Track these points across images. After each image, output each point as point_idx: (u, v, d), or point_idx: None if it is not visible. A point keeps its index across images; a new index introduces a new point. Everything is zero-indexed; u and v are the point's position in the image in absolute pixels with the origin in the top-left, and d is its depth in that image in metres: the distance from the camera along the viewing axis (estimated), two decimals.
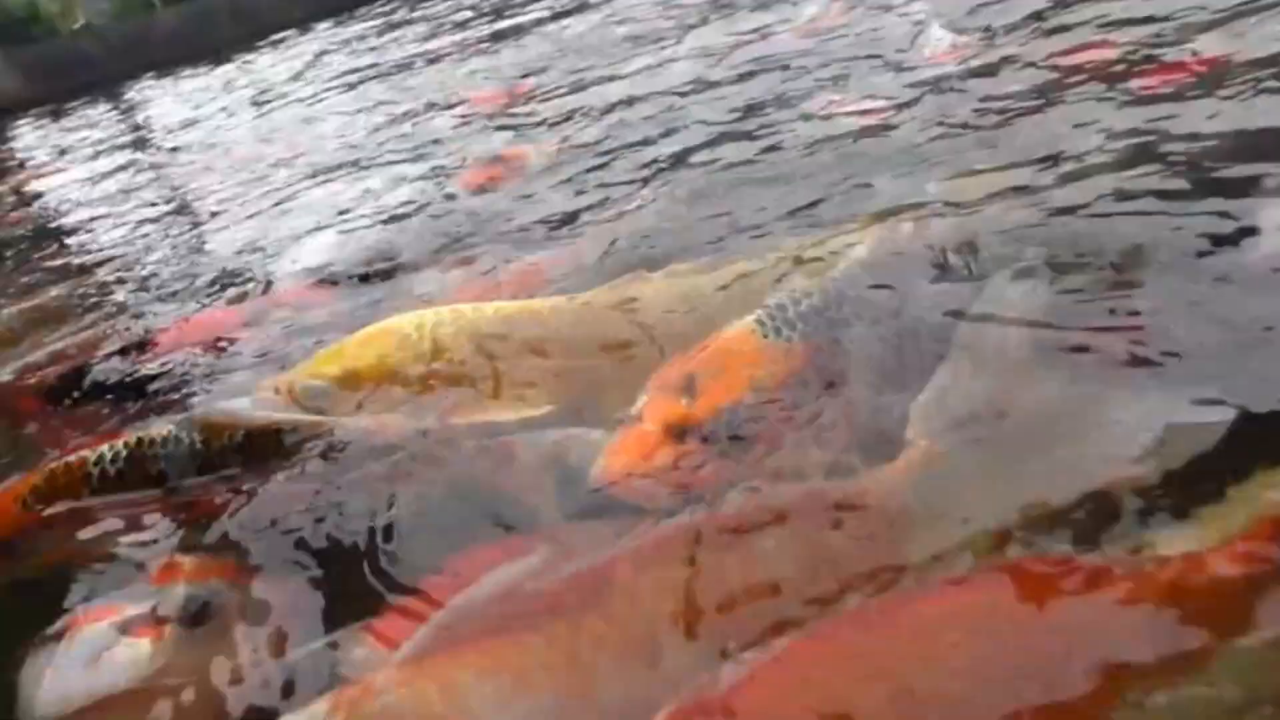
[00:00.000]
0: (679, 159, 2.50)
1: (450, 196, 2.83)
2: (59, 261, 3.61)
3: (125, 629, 1.08)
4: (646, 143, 2.72)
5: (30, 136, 10.00)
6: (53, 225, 4.51)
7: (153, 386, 1.92)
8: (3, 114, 13.95)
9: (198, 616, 1.10)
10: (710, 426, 1.15)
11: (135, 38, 17.34)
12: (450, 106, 4.12)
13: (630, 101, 3.21)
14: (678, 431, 1.15)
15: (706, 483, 1.10)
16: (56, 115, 11.51)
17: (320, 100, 5.98)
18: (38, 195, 5.63)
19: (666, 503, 1.07)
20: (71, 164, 6.71)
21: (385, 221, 2.77)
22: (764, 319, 1.26)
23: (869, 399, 1.18)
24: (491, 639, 0.89)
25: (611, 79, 3.71)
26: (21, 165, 7.70)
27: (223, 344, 2.04)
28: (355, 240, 2.65)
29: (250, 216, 3.38)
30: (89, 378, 2.01)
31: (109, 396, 1.92)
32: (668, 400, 1.19)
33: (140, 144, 7.00)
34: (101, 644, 1.07)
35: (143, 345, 2.14)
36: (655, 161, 2.51)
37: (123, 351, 2.09)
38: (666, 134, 2.73)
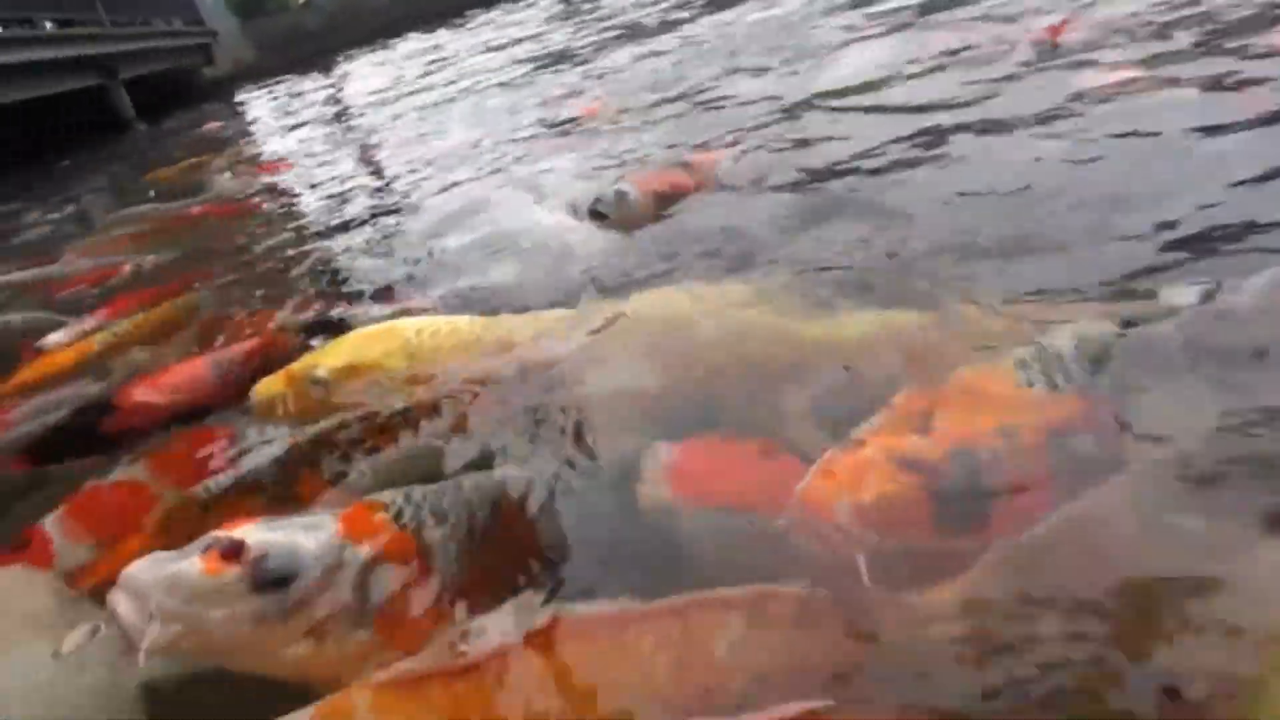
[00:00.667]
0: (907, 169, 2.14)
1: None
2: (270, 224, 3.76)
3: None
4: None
5: (257, 99, 10.96)
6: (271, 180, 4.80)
7: None
8: (238, 80, 15.55)
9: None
10: (942, 465, 0.95)
11: (351, 12, 18.69)
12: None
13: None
14: (904, 463, 0.96)
15: (915, 531, 0.91)
16: (280, 81, 12.57)
17: (510, 78, 6.01)
18: (256, 155, 6.06)
19: (852, 546, 0.88)
20: (288, 125, 7.23)
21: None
22: (1027, 361, 1.08)
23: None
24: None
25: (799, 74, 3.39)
26: (246, 128, 8.42)
27: None
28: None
29: (437, 190, 3.37)
30: None
31: None
32: (898, 429, 1.02)
33: (343, 110, 7.42)
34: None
35: None
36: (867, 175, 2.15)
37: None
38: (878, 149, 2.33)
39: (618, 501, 1.11)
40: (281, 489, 1.31)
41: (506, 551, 1.12)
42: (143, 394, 1.77)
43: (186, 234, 3.71)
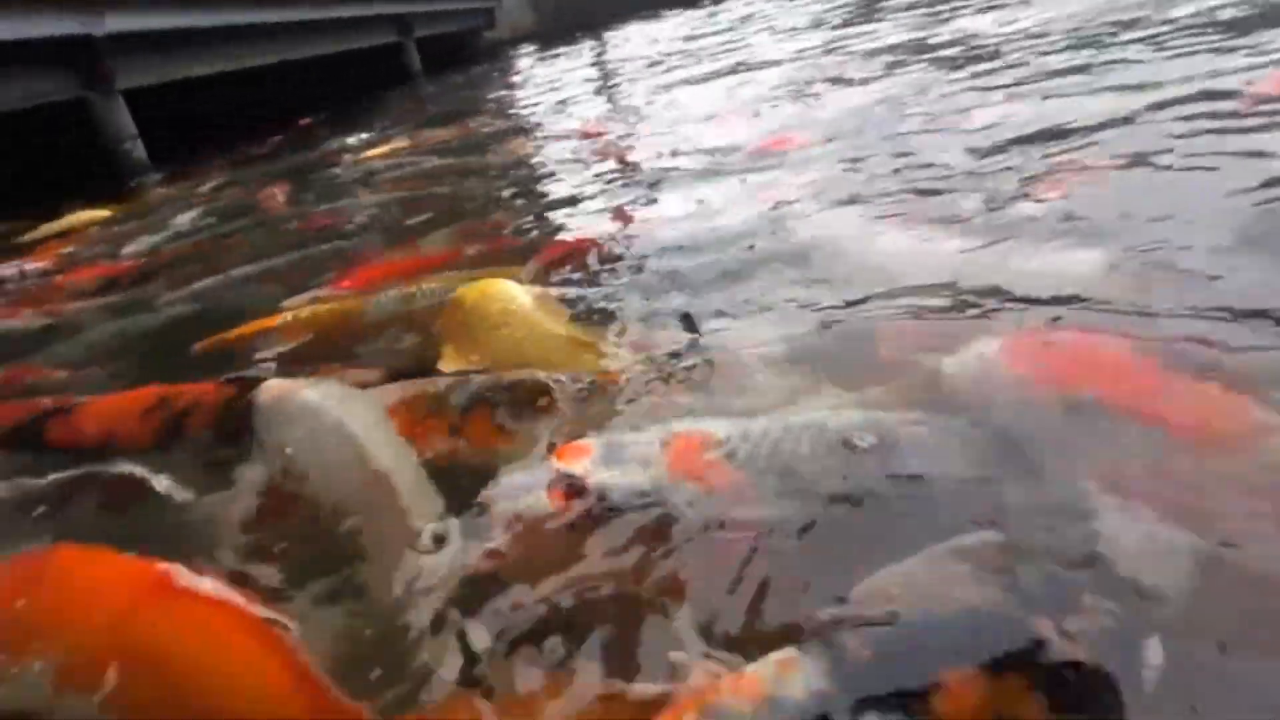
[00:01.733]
0: None
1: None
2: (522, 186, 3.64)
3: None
4: None
5: (529, 60, 11.38)
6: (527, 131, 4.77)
7: None
8: (514, 43, 16.44)
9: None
10: None
11: None
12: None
13: None
14: None
15: None
16: (550, 45, 13.00)
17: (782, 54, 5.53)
18: (513, 105, 6.14)
19: None
20: (550, 85, 7.31)
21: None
22: None
23: None
24: None
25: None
26: (512, 85, 8.68)
27: None
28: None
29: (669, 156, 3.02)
30: None
31: None
32: None
33: (606, 75, 7.35)
34: None
35: None
36: None
37: None
38: None
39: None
40: None
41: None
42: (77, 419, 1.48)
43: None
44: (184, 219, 4.05)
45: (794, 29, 6.65)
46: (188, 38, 7.12)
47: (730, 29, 8.19)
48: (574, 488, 0.98)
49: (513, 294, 1.62)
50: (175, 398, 1.41)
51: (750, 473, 0.95)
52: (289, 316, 1.93)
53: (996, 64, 3.23)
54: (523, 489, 1.00)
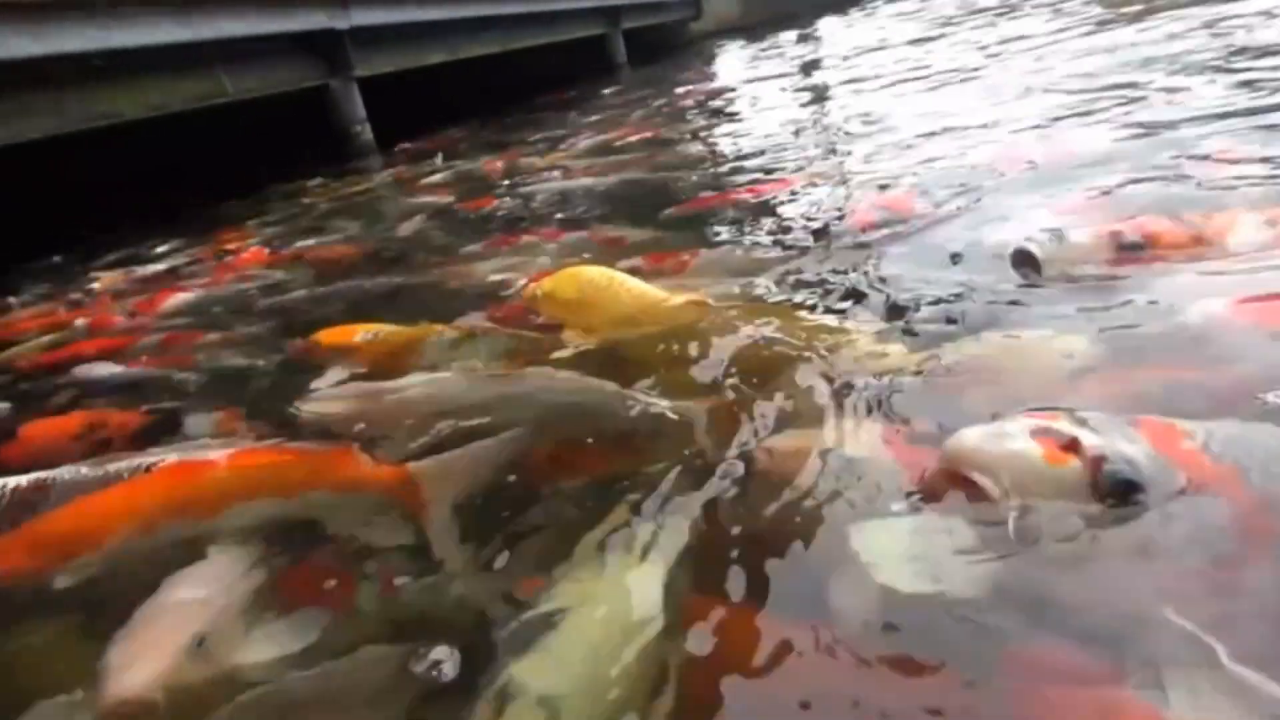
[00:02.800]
0: None
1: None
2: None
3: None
4: None
5: (731, 51, 11.28)
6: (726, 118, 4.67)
7: None
8: (717, 34, 16.37)
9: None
10: None
11: None
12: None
13: None
14: None
15: None
16: (754, 38, 12.80)
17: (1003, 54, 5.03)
18: (714, 95, 6.06)
19: None
20: (752, 77, 7.17)
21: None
22: None
23: None
24: None
25: None
26: (713, 74, 8.62)
27: None
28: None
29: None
30: None
31: None
32: None
33: (809, 67, 7.08)
34: None
35: None
36: None
37: None
38: None
39: None
40: None
41: None
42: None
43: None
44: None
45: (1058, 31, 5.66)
46: (417, 30, 7.67)
47: (978, 19, 7.60)
48: (1068, 443, 0.86)
49: (607, 274, 1.76)
50: None
51: (1233, 467, 0.85)
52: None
53: None
54: (1000, 435, 0.89)
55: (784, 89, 5.83)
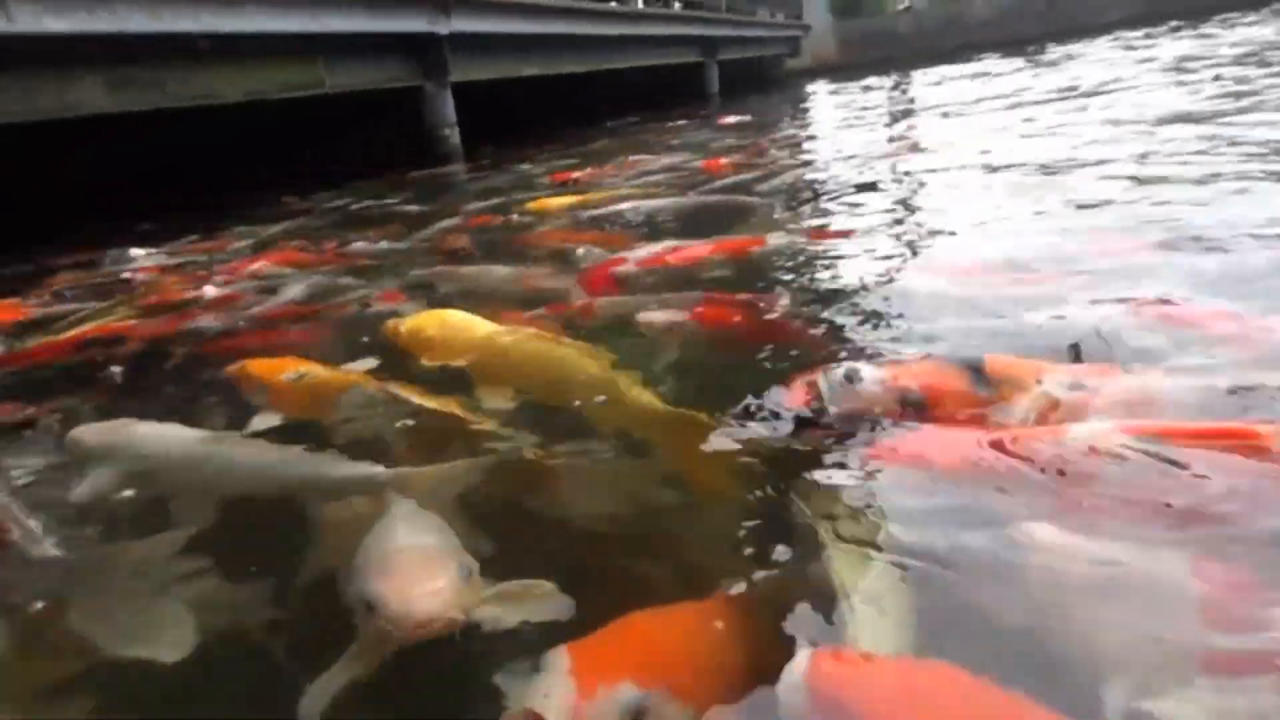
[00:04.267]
0: None
1: None
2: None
3: None
4: None
5: (822, 91, 11.18)
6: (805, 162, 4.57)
7: None
8: (812, 73, 16.31)
9: None
10: None
11: (946, 22, 18.13)
12: None
13: None
14: None
15: None
16: (849, 78, 12.67)
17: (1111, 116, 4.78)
18: (797, 142, 5.96)
19: None
20: (835, 120, 7.05)
21: None
22: None
23: None
24: None
25: None
26: (802, 112, 8.54)
27: None
28: None
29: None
30: None
31: None
32: None
33: (900, 115, 6.92)
34: None
35: None
36: None
37: None
38: None
39: None
40: None
41: None
42: None
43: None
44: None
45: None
46: (514, 42, 7.81)
47: (1074, 90, 7.27)
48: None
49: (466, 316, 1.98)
50: None
51: None
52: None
53: None
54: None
55: (867, 138, 5.69)
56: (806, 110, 9.28)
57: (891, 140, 5.29)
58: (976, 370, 1.27)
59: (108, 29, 4.22)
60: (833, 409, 1.27)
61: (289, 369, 1.74)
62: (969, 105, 6.55)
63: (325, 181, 6.27)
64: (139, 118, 4.83)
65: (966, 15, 18.15)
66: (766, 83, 15.43)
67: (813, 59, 17.68)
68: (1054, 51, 11.45)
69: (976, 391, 1.24)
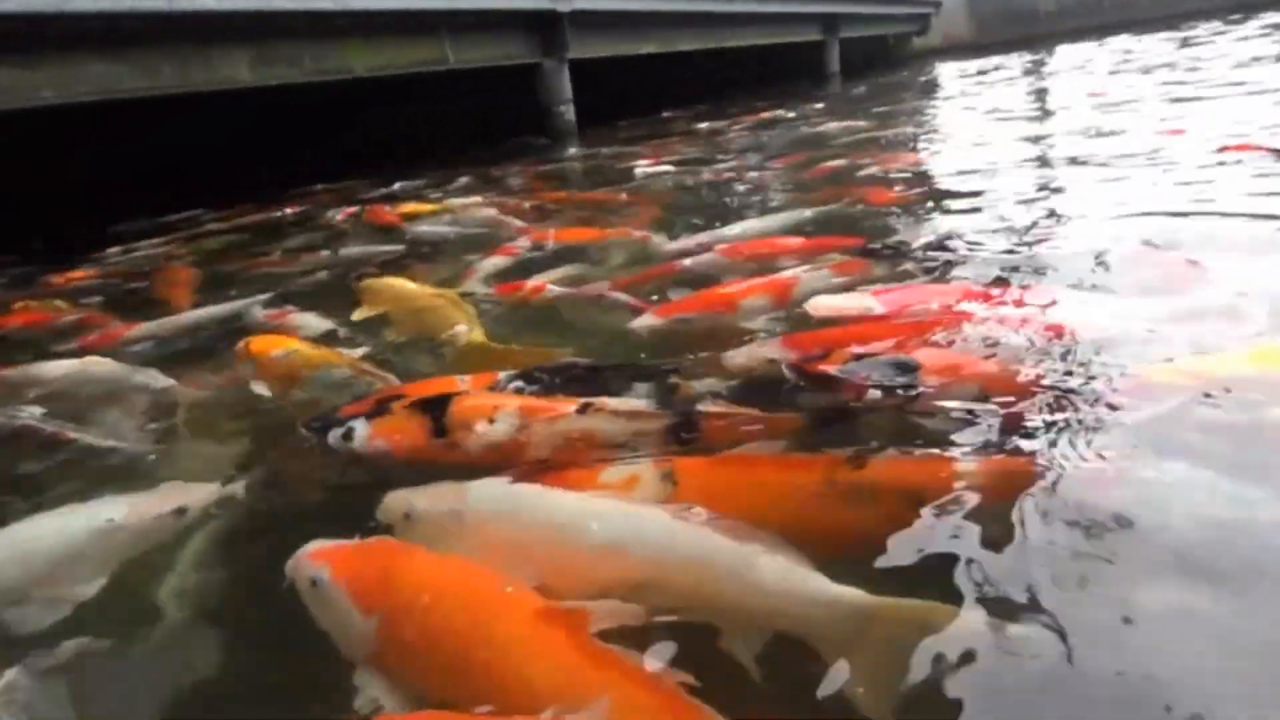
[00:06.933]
0: None
1: None
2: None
3: None
4: None
5: (953, 76, 10.57)
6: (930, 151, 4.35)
7: None
8: (942, 53, 15.51)
9: None
10: None
11: (1089, 2, 16.86)
12: None
13: None
14: None
15: None
16: (983, 60, 11.94)
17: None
18: (923, 118, 5.67)
19: None
20: (970, 102, 6.68)
21: None
22: None
23: None
24: None
25: None
26: (930, 102, 8.13)
27: None
28: None
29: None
30: None
31: None
32: None
33: (1037, 94, 6.48)
34: None
35: None
36: None
37: None
38: None
39: None
40: None
41: None
42: None
43: None
44: None
45: None
46: (634, 19, 7.78)
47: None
48: None
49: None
50: None
51: None
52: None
53: None
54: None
55: (1001, 127, 5.35)
56: (935, 96, 8.82)
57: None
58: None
59: (257, 6, 4.47)
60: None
61: (279, 347, 1.84)
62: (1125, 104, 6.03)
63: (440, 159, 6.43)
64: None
65: None
66: (893, 63, 14.81)
67: (944, 38, 16.78)
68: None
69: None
